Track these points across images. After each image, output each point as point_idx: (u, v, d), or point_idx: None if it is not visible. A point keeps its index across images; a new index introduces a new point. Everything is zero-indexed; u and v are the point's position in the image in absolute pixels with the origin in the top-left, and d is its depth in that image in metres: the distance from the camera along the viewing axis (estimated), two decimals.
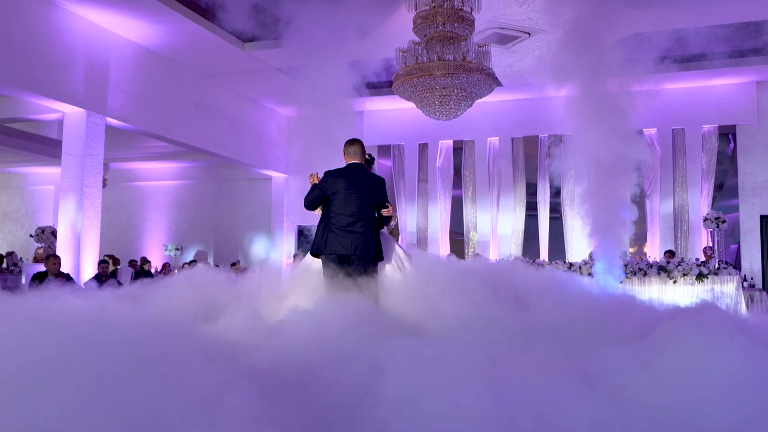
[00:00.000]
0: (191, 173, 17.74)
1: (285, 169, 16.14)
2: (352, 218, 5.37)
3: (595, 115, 9.58)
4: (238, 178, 17.13)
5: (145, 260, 14.61)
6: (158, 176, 17.90)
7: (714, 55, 12.35)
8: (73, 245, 10.46)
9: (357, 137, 5.90)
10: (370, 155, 6.15)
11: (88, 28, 10.74)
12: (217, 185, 17.54)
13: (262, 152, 15.46)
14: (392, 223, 5.75)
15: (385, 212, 5.58)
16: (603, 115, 9.30)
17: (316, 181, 5.60)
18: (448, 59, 9.08)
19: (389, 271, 5.58)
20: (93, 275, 10.39)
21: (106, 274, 10.36)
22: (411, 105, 11.19)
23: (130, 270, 12.56)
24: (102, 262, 10.48)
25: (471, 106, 9.93)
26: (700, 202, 13.80)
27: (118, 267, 12.46)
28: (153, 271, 14.70)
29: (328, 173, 5.55)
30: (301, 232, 16.12)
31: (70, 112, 10.66)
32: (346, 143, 5.74)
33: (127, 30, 11.26)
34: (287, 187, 16.25)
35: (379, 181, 5.61)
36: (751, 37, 11.45)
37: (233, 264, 14.74)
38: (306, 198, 5.59)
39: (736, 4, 10.09)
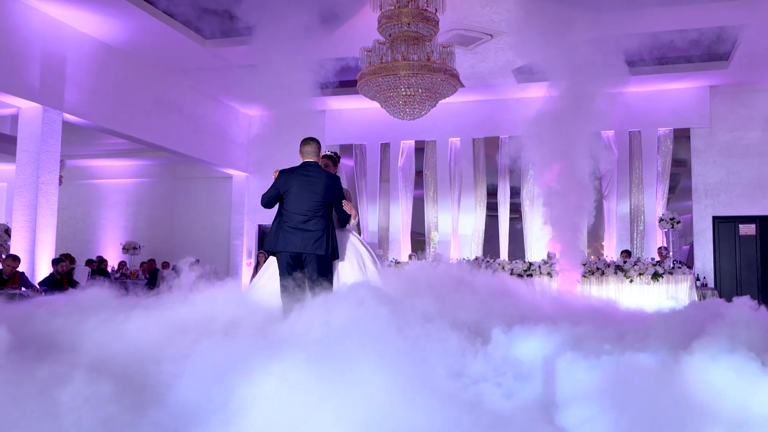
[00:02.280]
0: (149, 171, 17.47)
1: (246, 168, 16.01)
2: (304, 216, 5.35)
3: (556, 115, 9.75)
4: (198, 176, 16.93)
5: (101, 259, 14.34)
6: (115, 174, 17.58)
7: (669, 59, 12.66)
8: (29, 244, 10.21)
9: (314, 136, 5.84)
10: (335, 153, 6.12)
11: (44, 21, 10.50)
12: (175, 183, 17.30)
13: (222, 150, 15.30)
14: (353, 221, 5.67)
15: (345, 207, 5.52)
16: (564, 116, 9.46)
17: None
18: (412, 59, 9.11)
19: (347, 270, 5.51)
20: (47, 275, 10.17)
21: (62, 274, 10.14)
22: (373, 104, 11.20)
23: (87, 269, 12.32)
24: (58, 261, 10.25)
25: (435, 106, 9.98)
26: (656, 203, 14.11)
27: (74, 266, 12.19)
28: (110, 270, 14.45)
29: (281, 171, 5.53)
30: (263, 232, 16.02)
31: (25, 107, 10.40)
32: (301, 142, 5.69)
33: (85, 24, 11.04)
34: (248, 186, 16.12)
35: (333, 179, 5.55)
36: (705, 43, 11.74)
37: (192, 263, 14.55)
38: (263, 196, 5.57)
39: (690, 11, 10.34)
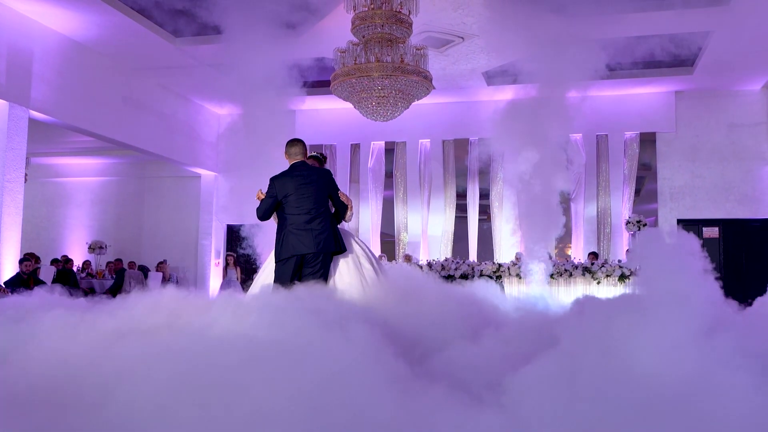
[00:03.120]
0: (117, 169, 17.22)
1: (214, 167, 15.87)
2: (308, 216, 5.33)
3: (526, 119, 9.86)
4: (166, 175, 16.72)
5: (66, 259, 14.11)
6: (82, 172, 17.30)
7: (636, 65, 12.89)
8: None
9: (296, 137, 5.85)
10: (321, 154, 6.13)
11: (11, 16, 10.30)
12: (143, 182, 17.08)
13: (191, 149, 15.15)
14: (349, 213, 5.70)
15: (341, 197, 5.55)
16: (534, 119, 9.58)
17: (263, 196, 5.52)
18: (386, 61, 9.14)
19: (342, 268, 5.46)
20: (13, 275, 9.99)
21: (28, 274, 9.98)
22: (344, 105, 11.20)
23: (53, 269, 12.12)
24: (24, 260, 10.09)
25: (408, 107, 10.02)
26: (622, 206, 14.35)
27: (39, 266, 11.98)
28: (75, 269, 14.22)
29: (273, 179, 5.47)
30: (231, 231, 15.90)
31: None
32: (287, 144, 5.67)
33: (53, 20, 10.85)
34: (216, 186, 16.00)
35: (326, 173, 5.60)
36: (671, 49, 11.96)
37: (160, 263, 14.42)
38: (258, 210, 5.51)
39: (657, 17, 10.53)
